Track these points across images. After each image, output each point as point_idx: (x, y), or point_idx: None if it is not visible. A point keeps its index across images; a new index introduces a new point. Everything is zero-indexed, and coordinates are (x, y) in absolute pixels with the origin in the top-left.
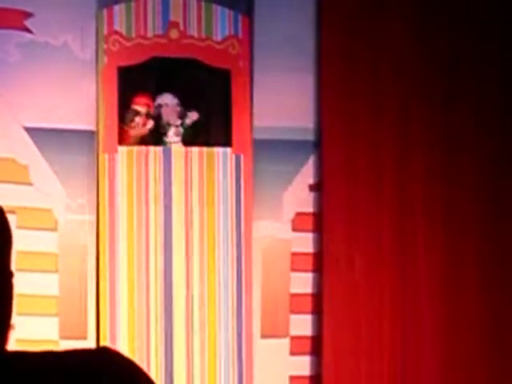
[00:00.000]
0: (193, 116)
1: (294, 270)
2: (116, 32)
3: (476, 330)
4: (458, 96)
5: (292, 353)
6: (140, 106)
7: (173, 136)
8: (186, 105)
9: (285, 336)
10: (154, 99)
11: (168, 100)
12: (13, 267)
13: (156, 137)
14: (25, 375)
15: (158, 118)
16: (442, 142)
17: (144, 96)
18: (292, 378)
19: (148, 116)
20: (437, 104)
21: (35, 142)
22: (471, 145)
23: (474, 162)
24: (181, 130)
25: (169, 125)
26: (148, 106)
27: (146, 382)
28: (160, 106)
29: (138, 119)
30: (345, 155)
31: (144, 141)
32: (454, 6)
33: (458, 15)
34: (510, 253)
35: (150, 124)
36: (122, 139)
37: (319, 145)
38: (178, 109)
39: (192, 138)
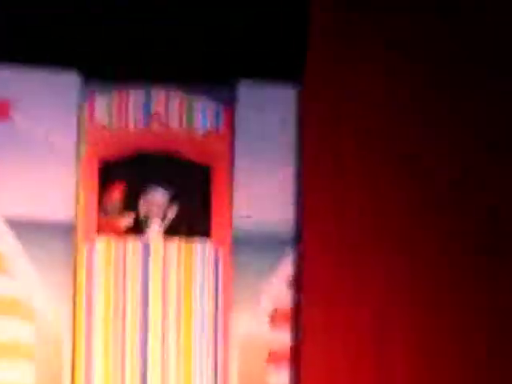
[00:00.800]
0: (171, 213)
1: (271, 366)
2: (97, 124)
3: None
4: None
5: None
6: (116, 195)
7: (155, 229)
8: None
9: None
10: (130, 188)
11: (158, 199)
12: None
13: (136, 229)
14: None
15: (141, 211)
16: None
17: (119, 185)
18: None
19: (125, 205)
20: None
21: (12, 231)
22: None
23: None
24: (161, 225)
25: (149, 217)
26: (123, 194)
27: None
28: (148, 203)
29: (112, 208)
30: (325, 251)
31: (123, 231)
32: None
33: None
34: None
35: (130, 219)
36: (101, 230)
37: (299, 240)
38: (163, 206)
39: (172, 231)
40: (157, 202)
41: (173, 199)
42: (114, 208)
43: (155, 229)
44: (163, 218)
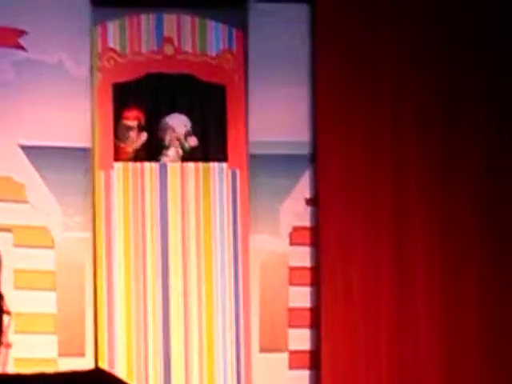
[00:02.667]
0: (192, 141)
1: (291, 284)
2: (110, 49)
3: (474, 340)
4: (456, 120)
5: (291, 367)
6: (130, 120)
7: (173, 156)
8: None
9: (283, 350)
10: (144, 112)
11: (177, 123)
12: (8, 286)
13: (153, 153)
14: None
15: (158, 136)
16: (439, 154)
17: (134, 109)
18: None
19: (140, 129)
20: (435, 111)
21: (31, 160)
22: (469, 156)
23: (472, 171)
24: (180, 151)
25: (169, 144)
26: (138, 118)
27: None
28: (167, 127)
29: (131, 134)
30: (341, 169)
31: (139, 156)
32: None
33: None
34: (508, 260)
35: (144, 137)
36: (118, 155)
37: (315, 158)
38: (183, 132)
39: (189, 160)
40: (175, 127)
41: (191, 124)
42: (131, 133)
43: (173, 154)
44: (182, 144)
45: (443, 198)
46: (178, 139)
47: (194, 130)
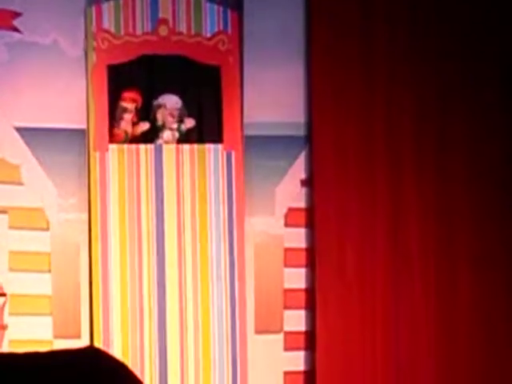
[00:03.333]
0: (189, 123)
1: (287, 265)
2: (105, 30)
3: (468, 323)
4: (449, 82)
5: (286, 348)
6: (127, 102)
7: (168, 138)
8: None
9: (279, 331)
10: (142, 95)
11: (169, 102)
12: (3, 267)
13: (149, 136)
14: (12, 376)
15: (152, 118)
16: (434, 133)
17: (131, 91)
18: (286, 374)
19: (137, 112)
20: (430, 96)
21: (26, 142)
22: (464, 140)
23: (465, 156)
24: (176, 134)
25: (164, 127)
26: (135, 101)
27: (134, 381)
28: (159, 106)
29: (126, 116)
30: (336, 149)
31: (135, 139)
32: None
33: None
34: (503, 245)
35: (146, 126)
36: (114, 137)
37: (310, 139)
38: (177, 112)
39: (186, 143)
40: (170, 108)
41: (186, 106)
42: (123, 112)
43: (169, 136)
44: (178, 126)
45: (439, 178)
46: (172, 116)
47: (190, 112)
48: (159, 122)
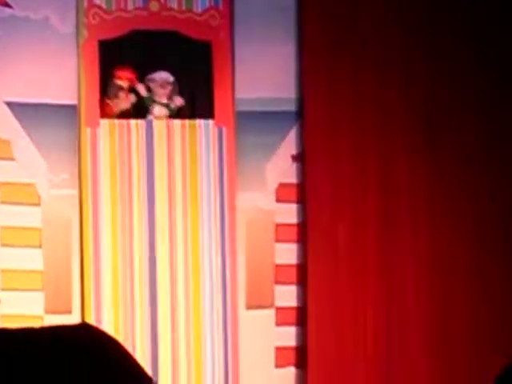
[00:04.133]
0: (177, 101)
1: (278, 240)
2: (96, 5)
3: (461, 303)
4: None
5: (277, 323)
6: (122, 80)
7: (160, 113)
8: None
9: (270, 307)
10: (136, 73)
11: (159, 76)
12: None
13: (139, 111)
14: (3, 352)
15: (144, 92)
16: (423, 108)
17: (126, 70)
18: (277, 349)
19: (131, 91)
20: (419, 72)
21: (17, 117)
22: (454, 127)
23: (456, 132)
24: (166, 111)
25: (154, 101)
26: (130, 80)
27: (127, 358)
28: (153, 80)
29: (121, 94)
30: (327, 125)
31: (126, 115)
32: None
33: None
34: (500, 226)
35: (133, 98)
36: (105, 113)
37: (301, 115)
38: (168, 86)
39: (168, 116)
40: (160, 80)
41: (178, 82)
42: (117, 90)
43: (161, 111)
44: (168, 104)
45: (430, 153)
46: (163, 87)
47: (181, 88)
48: (148, 94)
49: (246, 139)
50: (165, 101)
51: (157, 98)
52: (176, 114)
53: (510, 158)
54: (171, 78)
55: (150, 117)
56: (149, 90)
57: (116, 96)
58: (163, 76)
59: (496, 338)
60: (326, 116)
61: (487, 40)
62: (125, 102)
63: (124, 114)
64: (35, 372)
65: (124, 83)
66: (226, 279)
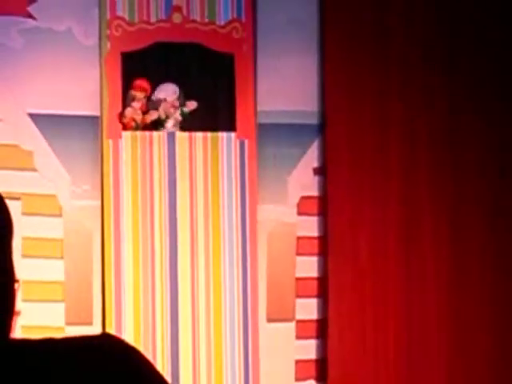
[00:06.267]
0: (191, 105)
1: (299, 253)
2: (119, 17)
3: (481, 311)
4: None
5: (298, 336)
6: (136, 90)
7: (171, 127)
8: (185, 93)
9: (291, 320)
10: (153, 83)
11: (168, 93)
12: (16, 254)
13: (154, 126)
14: (26, 362)
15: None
16: (448, 116)
17: (142, 80)
18: (298, 362)
19: (147, 101)
20: (443, 84)
21: (39, 128)
22: (476, 138)
23: (480, 152)
24: (179, 118)
25: (167, 117)
26: (144, 89)
27: (148, 367)
28: (160, 100)
29: (134, 104)
30: (349, 138)
31: (146, 128)
32: None
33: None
34: None
35: (155, 115)
36: (122, 125)
37: (323, 128)
38: (177, 102)
39: (190, 126)
40: (171, 101)
41: (190, 94)
42: (134, 104)
43: (171, 125)
44: (180, 111)
45: (454, 164)
46: (174, 107)
47: (201, 99)
48: (163, 116)
49: (268, 152)
50: (177, 113)
51: (169, 114)
52: (189, 117)
53: None
54: (177, 91)
55: (165, 130)
56: (159, 108)
57: (131, 106)
58: (169, 92)
59: None
60: (348, 129)
61: None
62: (141, 112)
63: (144, 126)
64: (55, 382)
65: (139, 94)
66: (247, 292)
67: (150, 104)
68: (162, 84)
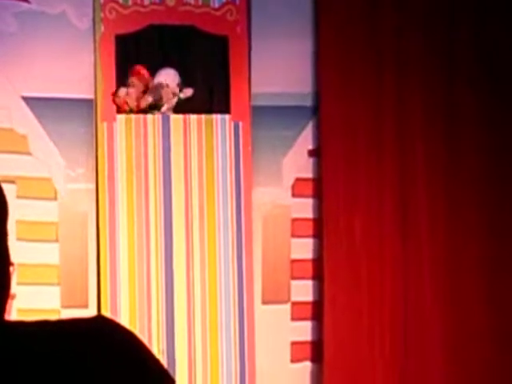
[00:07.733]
0: (187, 92)
1: (294, 235)
2: (113, 0)
3: (479, 301)
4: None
5: (293, 318)
6: (134, 76)
7: (166, 110)
8: (180, 76)
9: (286, 302)
10: (150, 69)
11: (169, 79)
12: (11, 237)
13: (150, 110)
14: (21, 343)
15: (155, 94)
16: (442, 101)
17: (139, 66)
18: (293, 344)
19: (145, 87)
20: (438, 66)
21: (33, 112)
22: (473, 108)
23: (476, 122)
24: (174, 103)
25: (164, 103)
26: (144, 77)
27: (142, 349)
28: (161, 85)
29: (130, 90)
30: (343, 120)
31: (141, 112)
32: None
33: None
34: None
35: (150, 99)
36: (119, 106)
37: (318, 110)
38: (177, 89)
39: (184, 109)
40: (172, 87)
41: (188, 78)
42: (130, 89)
43: (166, 111)
44: (178, 98)
45: (448, 146)
46: (175, 94)
47: (196, 82)
48: (163, 101)
49: (263, 134)
50: (174, 100)
51: (167, 102)
52: (184, 104)
53: None
54: (177, 77)
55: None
56: (161, 93)
57: (126, 92)
58: (170, 77)
59: None
60: (343, 111)
61: None
62: (139, 100)
63: (138, 111)
64: (51, 363)
65: (137, 80)
66: (243, 274)
67: (150, 90)
68: (162, 69)
